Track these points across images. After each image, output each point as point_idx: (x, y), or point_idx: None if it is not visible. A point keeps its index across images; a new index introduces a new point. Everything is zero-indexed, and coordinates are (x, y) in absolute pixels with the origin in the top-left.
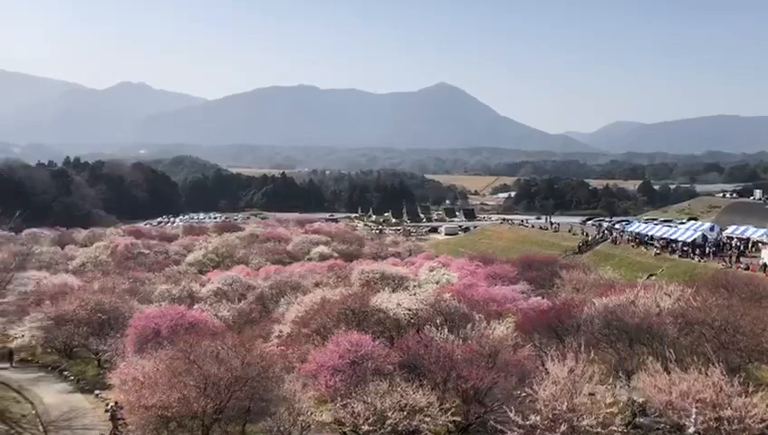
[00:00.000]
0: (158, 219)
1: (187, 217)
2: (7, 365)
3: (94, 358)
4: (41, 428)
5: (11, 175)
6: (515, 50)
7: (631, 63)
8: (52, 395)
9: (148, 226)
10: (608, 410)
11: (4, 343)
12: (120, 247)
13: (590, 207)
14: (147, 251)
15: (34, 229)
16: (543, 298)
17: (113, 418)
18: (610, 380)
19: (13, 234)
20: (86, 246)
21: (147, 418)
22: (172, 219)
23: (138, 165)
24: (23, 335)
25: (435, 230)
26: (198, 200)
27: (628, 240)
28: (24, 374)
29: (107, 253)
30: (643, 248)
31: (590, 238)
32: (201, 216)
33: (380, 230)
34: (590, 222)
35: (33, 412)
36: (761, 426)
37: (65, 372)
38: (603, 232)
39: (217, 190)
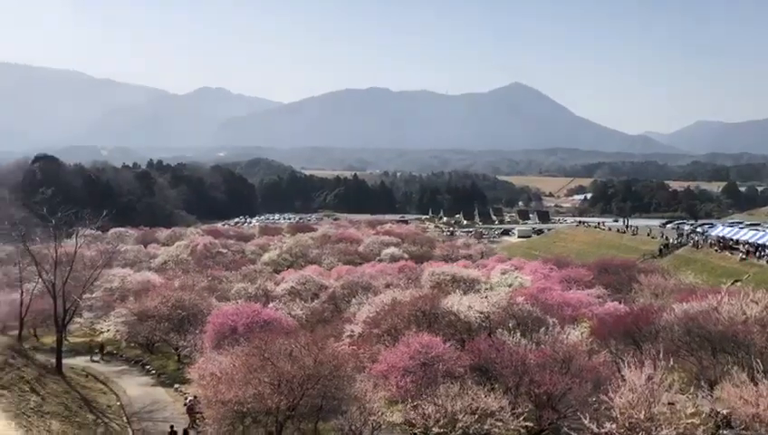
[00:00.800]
0: (236, 220)
1: (262, 217)
2: (98, 358)
3: (174, 353)
4: (124, 419)
5: (99, 176)
6: (592, 49)
7: (714, 60)
8: (135, 388)
9: (225, 226)
10: (688, 421)
11: (91, 336)
12: (199, 247)
13: (670, 210)
14: (224, 250)
15: (120, 229)
16: (620, 303)
17: (191, 411)
18: (691, 389)
19: (100, 233)
20: (168, 245)
21: (223, 412)
22: (249, 220)
23: (217, 167)
24: (108, 330)
25: (507, 232)
26: (274, 201)
27: (711, 244)
28: (110, 367)
29: (187, 252)
30: (727, 253)
31: (669, 242)
32: (276, 216)
33: (451, 232)
34: (669, 225)
35: (118, 404)
36: None
37: (147, 366)
38: (684, 236)
39: (292, 192)
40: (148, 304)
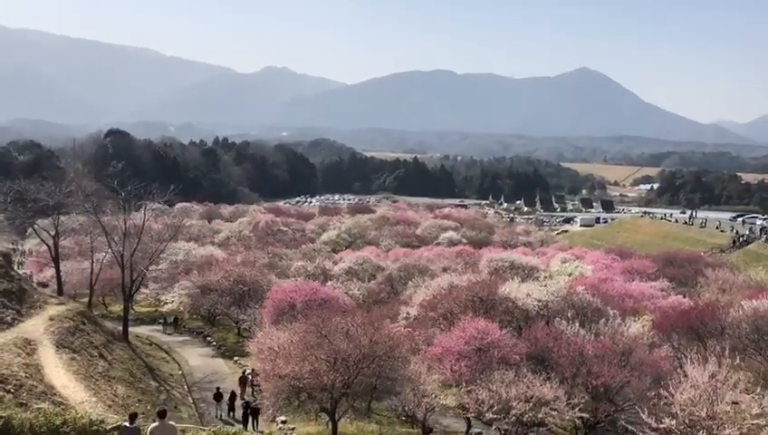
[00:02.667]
0: (297, 199)
1: (322, 197)
2: (172, 330)
3: (234, 326)
4: (185, 387)
5: (167, 152)
6: (663, 33)
7: None
8: (197, 358)
9: (287, 204)
10: (753, 422)
11: (156, 307)
12: (261, 224)
13: (742, 203)
14: (285, 228)
15: (186, 203)
16: (685, 297)
17: (242, 382)
18: (758, 389)
19: (167, 207)
20: (230, 221)
21: (280, 386)
22: (309, 199)
23: (280, 146)
24: (172, 301)
25: (569, 221)
26: (333, 182)
27: None
28: (173, 337)
29: (249, 228)
30: None
31: (740, 236)
32: (336, 197)
33: (511, 218)
34: (741, 219)
35: (180, 372)
36: None
37: (208, 338)
38: (756, 230)
39: (351, 173)
40: (210, 278)
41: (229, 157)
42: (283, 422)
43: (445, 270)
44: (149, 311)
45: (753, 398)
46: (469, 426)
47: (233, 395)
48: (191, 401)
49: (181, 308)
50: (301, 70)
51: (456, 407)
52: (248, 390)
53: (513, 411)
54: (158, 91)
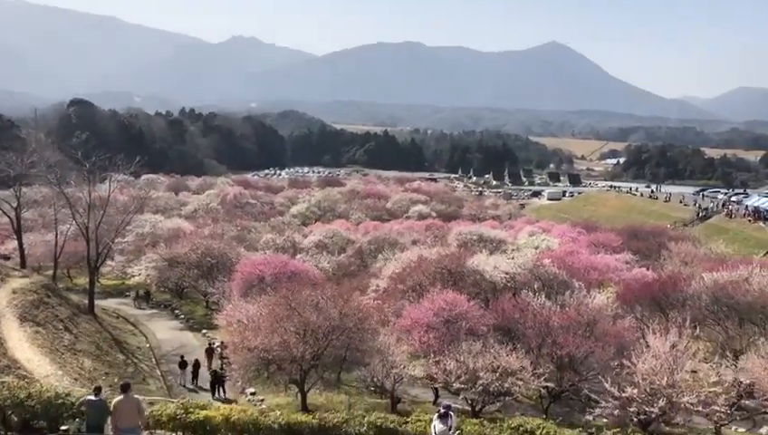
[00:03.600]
0: (265, 171)
1: (292, 170)
2: (146, 305)
3: (203, 299)
4: (153, 360)
5: (132, 123)
6: (630, 6)
7: (760, 22)
8: (165, 331)
9: (255, 177)
10: (710, 390)
11: (123, 280)
12: (229, 196)
13: (705, 178)
14: (254, 201)
15: (152, 175)
16: (648, 269)
17: (209, 352)
18: (715, 359)
19: (132, 178)
20: (198, 193)
21: (249, 359)
22: (278, 172)
23: (248, 118)
24: (139, 274)
25: (537, 194)
26: (303, 154)
27: (745, 214)
28: (140, 310)
29: (217, 201)
30: (761, 223)
31: (702, 210)
32: (305, 169)
33: (480, 192)
34: (703, 193)
35: (148, 345)
36: None
37: (176, 311)
38: (718, 204)
39: (321, 145)
40: (178, 251)
41: (196, 128)
42: (253, 394)
43: (414, 243)
44: (116, 284)
45: (711, 366)
46: (437, 396)
47: (196, 364)
48: (159, 373)
49: (148, 281)
50: (269, 40)
51: (425, 377)
52: (216, 362)
53: (480, 381)
54: (123, 61)
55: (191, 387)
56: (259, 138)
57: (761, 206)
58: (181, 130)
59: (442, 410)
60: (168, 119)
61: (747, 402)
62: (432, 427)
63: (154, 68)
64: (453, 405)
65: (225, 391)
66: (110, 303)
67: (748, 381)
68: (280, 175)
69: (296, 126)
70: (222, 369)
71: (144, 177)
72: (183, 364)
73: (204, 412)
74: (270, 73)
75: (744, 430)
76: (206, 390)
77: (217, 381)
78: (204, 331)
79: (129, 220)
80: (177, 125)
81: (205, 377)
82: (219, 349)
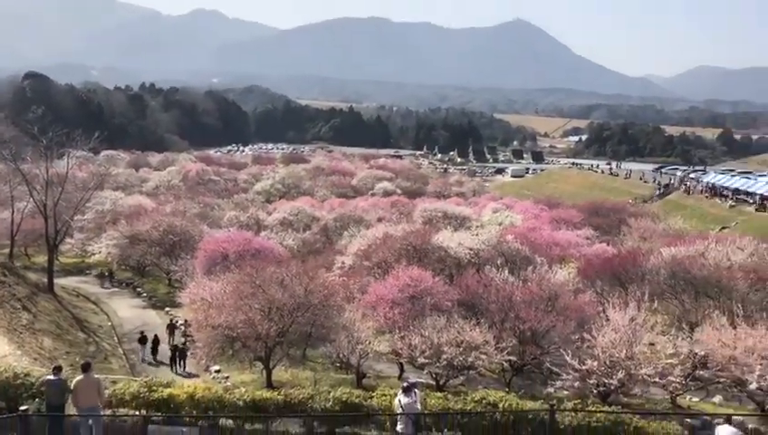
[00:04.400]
0: (228, 147)
1: (255, 146)
2: (109, 284)
3: (165, 277)
4: (116, 338)
5: (90, 97)
6: None
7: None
8: (126, 309)
9: (218, 153)
10: (667, 361)
11: (83, 258)
12: (191, 173)
13: (665, 155)
14: (217, 178)
15: (111, 151)
16: (608, 245)
17: (171, 328)
18: (672, 331)
19: (91, 154)
20: (159, 169)
21: (213, 336)
22: (241, 148)
23: (210, 93)
24: (100, 252)
25: (501, 171)
26: (267, 130)
27: (702, 191)
28: (101, 288)
29: (179, 177)
30: (717, 200)
31: (661, 187)
32: (269, 146)
33: (445, 169)
34: (663, 170)
35: (109, 324)
36: None
37: (138, 289)
38: (676, 181)
39: (286, 121)
40: (139, 228)
41: (157, 103)
42: (217, 371)
43: (380, 220)
44: (76, 262)
45: (668, 339)
46: (402, 371)
47: (156, 339)
48: (122, 352)
49: (109, 259)
50: (232, 14)
51: (390, 353)
52: (179, 338)
53: (445, 356)
54: (78, 33)
55: (151, 361)
56: (222, 113)
57: (717, 182)
58: (141, 105)
59: (407, 383)
60: (127, 93)
61: (702, 373)
62: (397, 401)
63: (111, 41)
64: (418, 380)
65: (185, 365)
66: (70, 281)
67: (703, 353)
68: (243, 151)
69: (260, 101)
70: (184, 344)
71: (103, 153)
72: (143, 340)
73: (168, 390)
74: (233, 48)
75: (698, 399)
76: (166, 364)
77: (179, 355)
78: (167, 309)
79: (88, 197)
80: (138, 100)
81: (165, 352)
82: (183, 327)
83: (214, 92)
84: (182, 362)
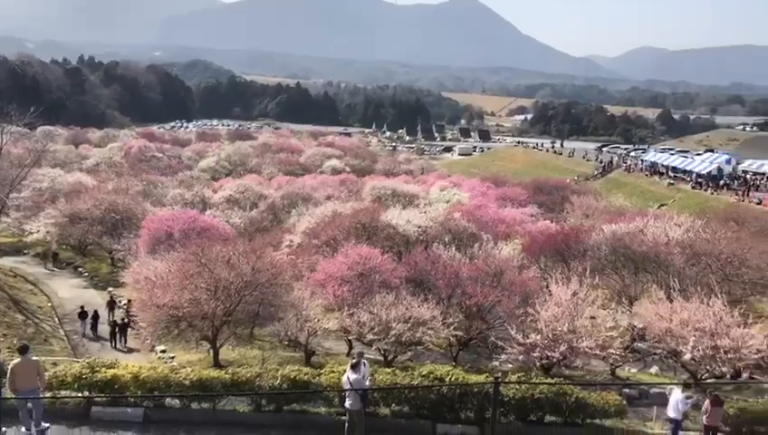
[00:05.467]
0: (172, 123)
1: (200, 122)
2: (52, 266)
3: (108, 256)
4: (56, 319)
5: (25, 70)
6: None
7: None
8: (67, 290)
9: (161, 129)
10: (607, 334)
11: (20, 237)
12: (133, 150)
13: (607, 134)
14: (160, 155)
15: (49, 127)
16: (552, 222)
17: (111, 304)
18: (613, 305)
19: (27, 130)
20: (100, 146)
21: (158, 316)
22: (185, 124)
23: (152, 67)
24: (38, 231)
25: (448, 150)
26: (212, 106)
27: (642, 169)
28: (40, 268)
29: (120, 154)
30: (656, 178)
31: (603, 165)
32: (214, 122)
33: (394, 147)
34: (605, 149)
35: (49, 305)
36: (756, 356)
37: (80, 269)
38: (617, 160)
39: (231, 97)
40: (80, 207)
41: (96, 77)
42: (163, 351)
43: (328, 198)
44: (12, 241)
45: (608, 313)
46: (350, 347)
47: (95, 314)
48: (63, 333)
49: (48, 238)
50: None
51: (339, 330)
52: (119, 313)
53: (393, 332)
54: (13, 4)
55: (91, 337)
56: (164, 88)
57: (657, 161)
58: (80, 79)
59: (355, 360)
60: (65, 67)
61: (640, 345)
62: (345, 377)
63: (47, 12)
64: (366, 354)
65: (125, 341)
66: (6, 261)
67: (641, 326)
68: (187, 127)
69: (204, 76)
70: (123, 320)
71: (40, 128)
72: (83, 315)
73: (111, 371)
74: (176, 21)
75: (635, 370)
76: (106, 339)
77: (118, 331)
78: (109, 289)
79: (24, 175)
80: (76, 74)
81: (106, 329)
82: (126, 306)
83: (156, 67)
84: (122, 338)
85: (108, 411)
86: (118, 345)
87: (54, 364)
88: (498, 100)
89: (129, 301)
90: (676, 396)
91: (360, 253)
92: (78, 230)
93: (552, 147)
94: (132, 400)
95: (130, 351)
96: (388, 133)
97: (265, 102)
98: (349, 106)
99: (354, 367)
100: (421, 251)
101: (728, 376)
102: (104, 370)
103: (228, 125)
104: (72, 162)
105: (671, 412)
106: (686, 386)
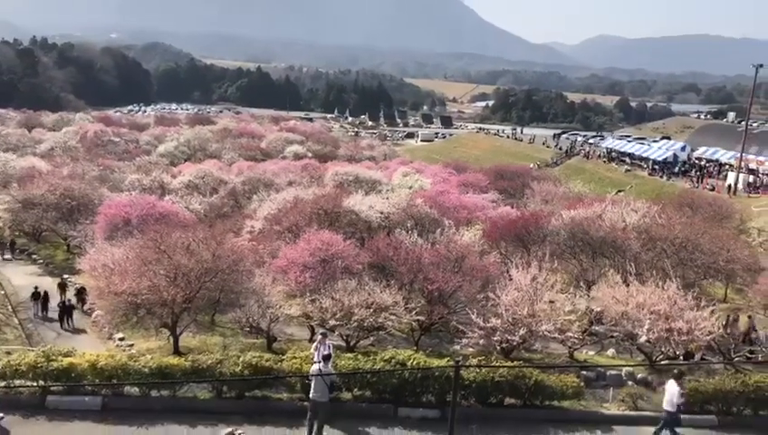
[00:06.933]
0: (129, 107)
1: (158, 106)
2: (10, 256)
3: (63, 243)
4: (9, 307)
5: None
6: None
7: None
8: (21, 277)
9: (118, 113)
10: (566, 318)
11: None
12: (89, 134)
13: (567, 121)
14: (117, 139)
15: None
16: (513, 208)
17: (62, 286)
18: (571, 289)
19: None
20: (55, 130)
21: (116, 303)
22: (143, 108)
23: (108, 49)
24: None
25: (411, 136)
26: (171, 90)
27: (600, 156)
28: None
29: (76, 138)
30: (614, 164)
31: (562, 152)
32: (173, 106)
33: (356, 133)
34: (564, 135)
35: (2, 293)
36: (707, 338)
37: (34, 256)
38: (577, 146)
39: (190, 81)
40: (34, 192)
41: (50, 59)
42: (121, 339)
43: (290, 184)
44: None
45: (566, 297)
46: (312, 333)
47: (45, 296)
48: (17, 321)
49: (0, 224)
50: None
51: (301, 316)
52: (71, 295)
53: (355, 318)
54: None
55: (41, 316)
56: (121, 71)
57: (614, 148)
58: (32, 60)
59: (320, 336)
60: (16, 48)
61: (597, 328)
62: (316, 367)
63: None
64: (329, 342)
65: (72, 322)
66: None
67: (599, 309)
68: (145, 112)
69: (162, 59)
70: (69, 301)
71: None
72: (36, 295)
73: (68, 359)
74: (132, 2)
75: (593, 353)
76: (56, 320)
77: (65, 312)
78: (65, 276)
79: None
80: (28, 55)
81: (55, 309)
82: (63, 281)
83: (112, 49)
84: (69, 319)
85: (65, 400)
86: (66, 326)
87: (8, 353)
88: (460, 86)
89: (84, 289)
90: (672, 389)
91: (322, 239)
92: (32, 216)
93: (513, 133)
94: (90, 388)
95: (77, 332)
96: (350, 119)
97: (226, 86)
98: (311, 91)
99: (325, 360)
100: (384, 237)
101: (681, 358)
102: (60, 358)
103: (187, 109)
104: (26, 146)
105: (667, 406)
106: (682, 374)
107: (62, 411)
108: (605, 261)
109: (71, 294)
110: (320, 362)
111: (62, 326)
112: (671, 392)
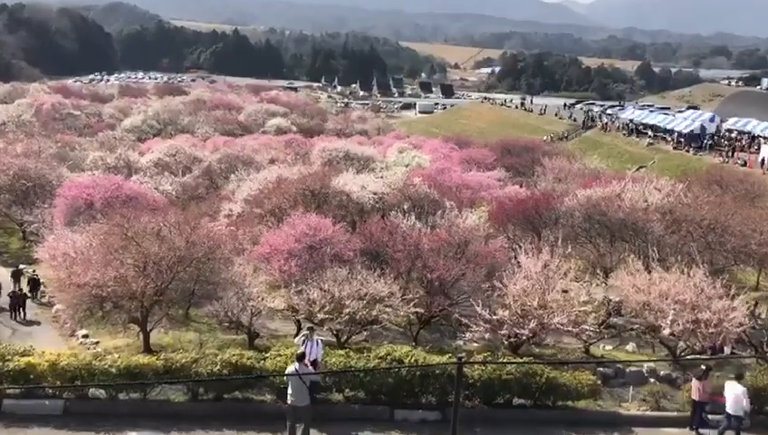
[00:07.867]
0: (90, 76)
1: (123, 75)
2: None
3: (18, 229)
4: None
5: None
6: None
7: None
8: None
9: (77, 83)
10: (581, 309)
11: None
12: (45, 106)
13: (582, 89)
14: (77, 112)
15: None
16: (522, 187)
17: (16, 275)
18: (587, 277)
19: None
20: (6, 102)
21: (79, 296)
22: (106, 77)
23: (65, 11)
24: None
25: (408, 107)
26: (136, 57)
27: (620, 128)
28: None
29: (31, 112)
30: (635, 137)
31: (577, 124)
32: (140, 75)
33: (346, 104)
34: (579, 105)
35: None
36: (738, 330)
37: None
38: (593, 117)
39: (159, 46)
40: None
41: None
42: (85, 336)
43: (272, 161)
44: None
45: (581, 286)
46: (299, 328)
47: None
48: None
49: None
50: None
51: (285, 309)
52: (24, 285)
53: (347, 310)
54: None
55: None
56: (80, 36)
57: (635, 119)
58: None
59: (307, 332)
60: None
61: (615, 320)
62: (292, 368)
63: None
64: (318, 338)
65: (25, 314)
66: None
67: (617, 299)
68: (108, 81)
69: (126, 22)
70: (20, 290)
71: None
72: None
73: (25, 359)
74: None
75: (611, 347)
76: (7, 310)
77: (17, 302)
78: (21, 266)
79: None
80: None
81: (6, 301)
82: (17, 270)
83: (69, 11)
84: (21, 311)
85: (22, 405)
86: (17, 317)
87: None
88: (462, 50)
89: (43, 283)
90: (737, 391)
91: (308, 223)
92: None
93: (522, 103)
94: (50, 391)
95: (29, 323)
96: (339, 88)
97: (198, 52)
98: (294, 56)
99: (300, 359)
100: (378, 220)
101: (708, 352)
102: (17, 358)
103: (156, 78)
104: None
105: (733, 410)
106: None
107: (19, 417)
108: (624, 245)
109: (23, 284)
110: (294, 362)
111: (12, 318)
112: (736, 394)
